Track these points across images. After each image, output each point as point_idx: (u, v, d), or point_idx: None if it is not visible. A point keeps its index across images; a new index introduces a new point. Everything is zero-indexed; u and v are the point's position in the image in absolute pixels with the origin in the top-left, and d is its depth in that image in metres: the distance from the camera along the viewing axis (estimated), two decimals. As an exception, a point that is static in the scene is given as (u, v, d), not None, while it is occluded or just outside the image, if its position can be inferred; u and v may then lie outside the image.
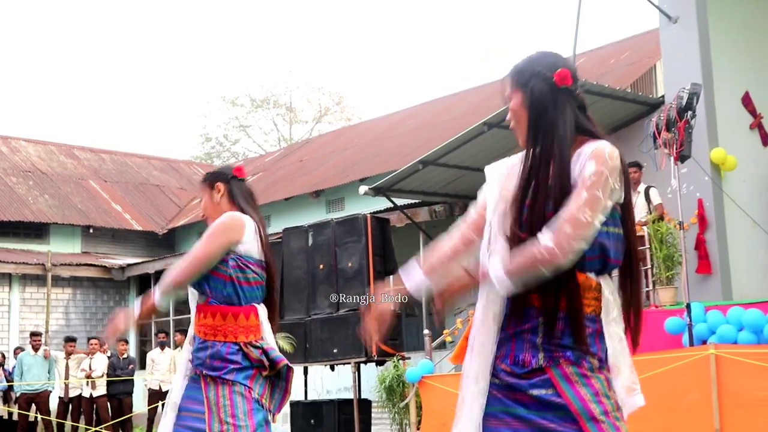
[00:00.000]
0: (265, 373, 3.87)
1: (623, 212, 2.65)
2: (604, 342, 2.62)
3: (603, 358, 2.62)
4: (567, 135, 2.65)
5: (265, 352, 3.86)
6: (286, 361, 3.90)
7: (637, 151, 10.24)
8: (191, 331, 3.98)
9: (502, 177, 2.78)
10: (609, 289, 2.63)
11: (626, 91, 12.72)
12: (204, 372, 3.83)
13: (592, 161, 2.55)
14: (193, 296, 4.00)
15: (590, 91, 10.46)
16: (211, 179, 4.15)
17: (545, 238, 2.46)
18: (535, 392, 2.54)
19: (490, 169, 2.87)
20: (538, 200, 2.56)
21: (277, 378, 3.94)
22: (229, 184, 4.12)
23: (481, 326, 2.69)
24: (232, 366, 3.81)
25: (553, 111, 2.69)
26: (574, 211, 2.47)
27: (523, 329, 2.59)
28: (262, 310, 3.95)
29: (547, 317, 2.56)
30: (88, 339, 15.43)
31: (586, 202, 2.49)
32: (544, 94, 2.72)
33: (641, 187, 10.40)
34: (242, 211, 4.02)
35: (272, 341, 3.95)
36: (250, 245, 3.92)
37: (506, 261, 2.52)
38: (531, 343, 2.58)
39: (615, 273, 2.73)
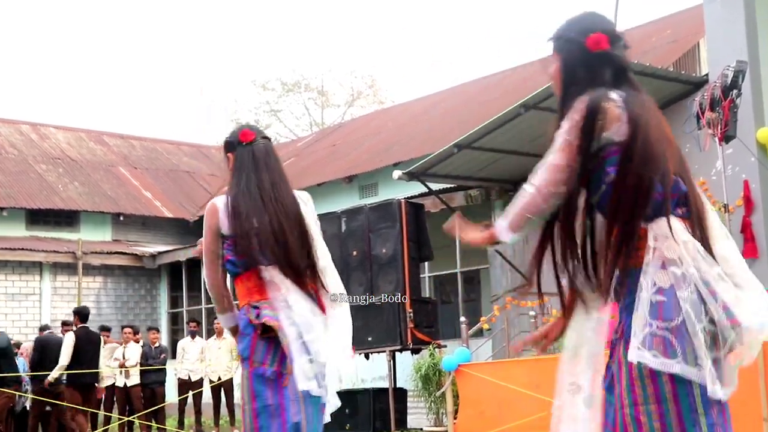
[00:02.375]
0: (258, 333, 3.77)
1: (624, 153, 2.59)
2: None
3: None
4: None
5: (259, 314, 3.78)
6: (273, 321, 3.74)
7: (681, 132, 9.96)
8: None
9: None
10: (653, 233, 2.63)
11: (668, 70, 12.54)
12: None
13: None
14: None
15: (631, 70, 10.19)
16: (225, 151, 4.04)
17: (527, 191, 2.63)
18: None
19: None
20: None
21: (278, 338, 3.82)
22: (236, 152, 3.97)
23: None
24: (240, 335, 3.84)
25: (583, 78, 2.68)
26: (545, 162, 2.62)
27: None
28: (267, 271, 3.82)
29: None
30: (122, 327, 15.39)
31: (555, 150, 2.61)
32: (576, 59, 2.72)
33: None
34: (246, 180, 3.88)
35: (293, 302, 3.78)
36: (229, 223, 3.85)
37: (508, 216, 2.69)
38: None
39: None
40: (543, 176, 2.61)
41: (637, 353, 2.51)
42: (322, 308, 3.90)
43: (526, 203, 2.64)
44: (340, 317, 3.98)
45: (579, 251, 2.74)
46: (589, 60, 2.68)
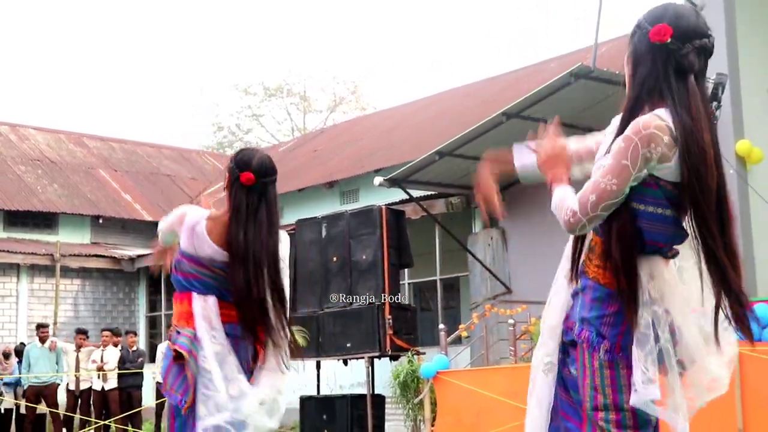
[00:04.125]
0: (180, 361, 3.83)
1: (681, 193, 2.55)
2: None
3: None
4: (642, 95, 2.61)
5: (176, 339, 3.86)
6: (183, 350, 3.81)
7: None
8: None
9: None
10: (646, 271, 2.59)
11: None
12: None
13: (629, 129, 2.54)
14: None
15: (613, 80, 10.27)
16: (227, 166, 4.01)
17: (574, 198, 2.58)
18: None
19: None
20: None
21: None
22: (231, 180, 3.95)
23: None
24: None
25: (643, 66, 2.63)
26: (598, 178, 2.54)
27: None
28: (200, 300, 3.85)
29: None
30: (101, 331, 15.29)
31: (611, 169, 2.52)
32: (640, 47, 2.66)
33: None
34: (234, 214, 3.89)
35: (207, 335, 3.81)
36: (187, 242, 3.89)
37: (560, 200, 2.65)
38: None
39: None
40: (590, 197, 2.55)
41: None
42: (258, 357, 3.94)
43: (563, 218, 2.63)
44: (276, 375, 3.96)
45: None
46: (651, 50, 2.60)
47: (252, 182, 3.87)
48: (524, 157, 2.93)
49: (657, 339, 2.56)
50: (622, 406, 2.58)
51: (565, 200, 2.62)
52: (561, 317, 2.76)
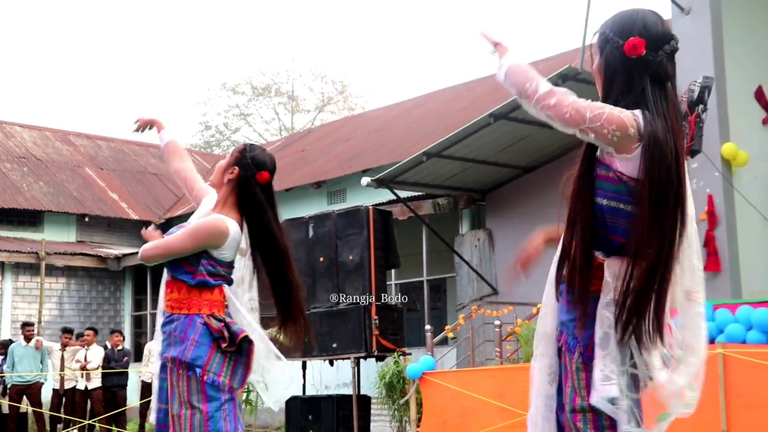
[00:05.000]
0: (224, 346, 3.85)
1: (640, 188, 2.56)
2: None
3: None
4: (621, 106, 2.62)
5: (226, 326, 3.88)
6: (246, 333, 3.90)
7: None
8: (160, 305, 4.06)
9: None
10: (612, 270, 2.61)
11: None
12: (169, 355, 3.90)
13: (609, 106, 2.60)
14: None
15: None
16: (237, 160, 4.04)
17: (546, 85, 2.59)
18: None
19: None
20: None
21: (239, 354, 3.93)
22: (244, 177, 4.02)
23: None
24: (189, 342, 3.85)
25: (618, 80, 2.65)
26: (570, 99, 2.57)
27: None
28: (230, 290, 4.02)
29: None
30: (86, 329, 15.22)
31: (579, 106, 2.56)
32: (614, 61, 2.67)
33: None
34: (239, 210, 4.01)
35: (245, 324, 3.97)
36: (228, 252, 3.97)
37: (517, 63, 2.68)
38: None
39: None
40: (558, 97, 2.59)
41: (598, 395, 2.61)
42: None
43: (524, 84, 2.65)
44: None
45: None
46: (626, 65, 2.64)
47: (267, 181, 4.04)
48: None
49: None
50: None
51: (536, 76, 2.63)
52: (554, 324, 2.77)
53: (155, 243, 3.95)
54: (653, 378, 2.62)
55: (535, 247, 3.03)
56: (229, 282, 4.03)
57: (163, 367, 3.92)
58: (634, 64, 2.63)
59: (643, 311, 2.56)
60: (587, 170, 2.64)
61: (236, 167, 4.00)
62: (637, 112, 2.59)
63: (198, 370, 3.80)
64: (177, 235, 3.96)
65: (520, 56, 2.71)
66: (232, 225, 3.95)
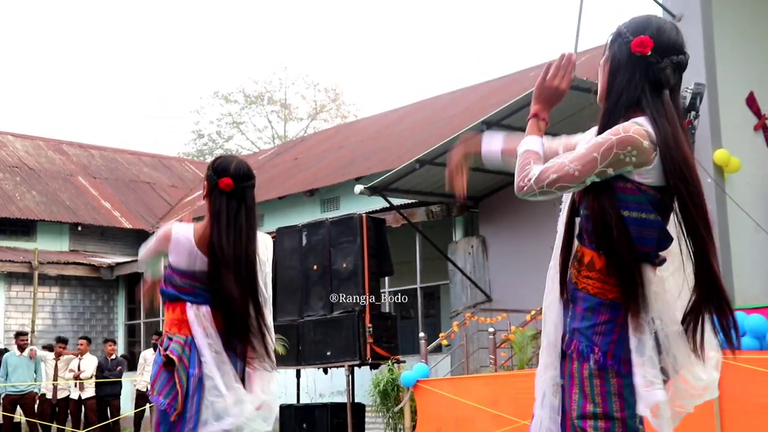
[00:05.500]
0: (169, 368, 3.90)
1: (664, 197, 2.58)
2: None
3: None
4: (619, 105, 2.65)
5: (168, 346, 3.92)
6: (173, 355, 3.89)
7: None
8: None
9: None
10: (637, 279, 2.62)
11: (628, 90, 12.55)
12: None
13: (610, 130, 2.58)
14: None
15: (593, 89, 10.28)
16: (205, 175, 4.04)
17: (538, 167, 2.62)
18: None
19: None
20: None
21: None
22: (210, 188, 3.99)
23: None
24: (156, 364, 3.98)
25: (621, 75, 2.66)
26: (565, 160, 2.58)
27: None
28: (193, 309, 3.93)
29: None
30: (79, 339, 15.18)
31: (580, 157, 2.56)
32: (620, 56, 2.69)
33: None
34: (215, 220, 3.93)
35: (204, 342, 3.90)
36: (178, 257, 3.96)
37: (525, 159, 2.69)
38: None
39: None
40: (551, 173, 2.60)
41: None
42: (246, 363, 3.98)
43: (521, 173, 2.68)
44: (264, 378, 4.02)
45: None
46: (630, 60, 2.64)
47: (231, 188, 3.91)
48: (492, 144, 3.08)
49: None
50: (612, 414, 2.57)
51: (529, 162, 2.67)
52: (559, 332, 2.77)
53: (144, 247, 4.16)
54: (683, 371, 2.65)
55: (456, 163, 3.11)
56: (197, 296, 3.94)
57: None
58: (638, 63, 2.64)
59: (704, 314, 2.62)
60: (606, 184, 2.61)
61: (206, 181, 4.00)
62: (642, 120, 2.59)
63: (149, 390, 3.94)
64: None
65: (534, 142, 2.76)
66: (177, 230, 3.96)
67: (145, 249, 4.18)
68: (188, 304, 3.92)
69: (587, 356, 2.61)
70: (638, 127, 2.55)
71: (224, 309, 3.90)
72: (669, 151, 2.55)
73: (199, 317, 3.90)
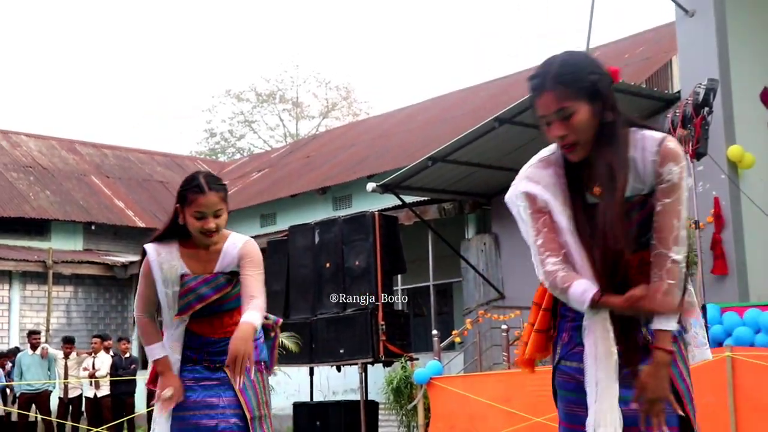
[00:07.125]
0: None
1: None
2: None
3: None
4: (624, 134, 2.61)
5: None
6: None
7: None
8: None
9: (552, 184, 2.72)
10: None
11: (641, 86, 12.60)
12: None
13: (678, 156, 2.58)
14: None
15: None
16: (176, 196, 3.84)
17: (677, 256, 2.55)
18: None
19: (531, 176, 2.79)
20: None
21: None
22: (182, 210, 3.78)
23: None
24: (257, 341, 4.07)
25: (618, 110, 2.58)
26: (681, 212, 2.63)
27: None
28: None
29: None
30: (93, 337, 15.21)
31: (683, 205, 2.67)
32: (610, 92, 2.55)
33: None
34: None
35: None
36: (168, 275, 3.85)
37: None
38: None
39: None
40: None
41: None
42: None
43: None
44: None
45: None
46: (612, 90, 2.58)
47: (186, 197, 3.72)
48: None
49: None
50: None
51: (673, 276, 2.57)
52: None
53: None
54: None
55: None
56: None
57: None
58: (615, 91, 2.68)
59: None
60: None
61: (176, 202, 3.79)
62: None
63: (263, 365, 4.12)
64: None
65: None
66: (147, 248, 3.90)
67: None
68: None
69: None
70: (676, 143, 2.66)
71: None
72: None
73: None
